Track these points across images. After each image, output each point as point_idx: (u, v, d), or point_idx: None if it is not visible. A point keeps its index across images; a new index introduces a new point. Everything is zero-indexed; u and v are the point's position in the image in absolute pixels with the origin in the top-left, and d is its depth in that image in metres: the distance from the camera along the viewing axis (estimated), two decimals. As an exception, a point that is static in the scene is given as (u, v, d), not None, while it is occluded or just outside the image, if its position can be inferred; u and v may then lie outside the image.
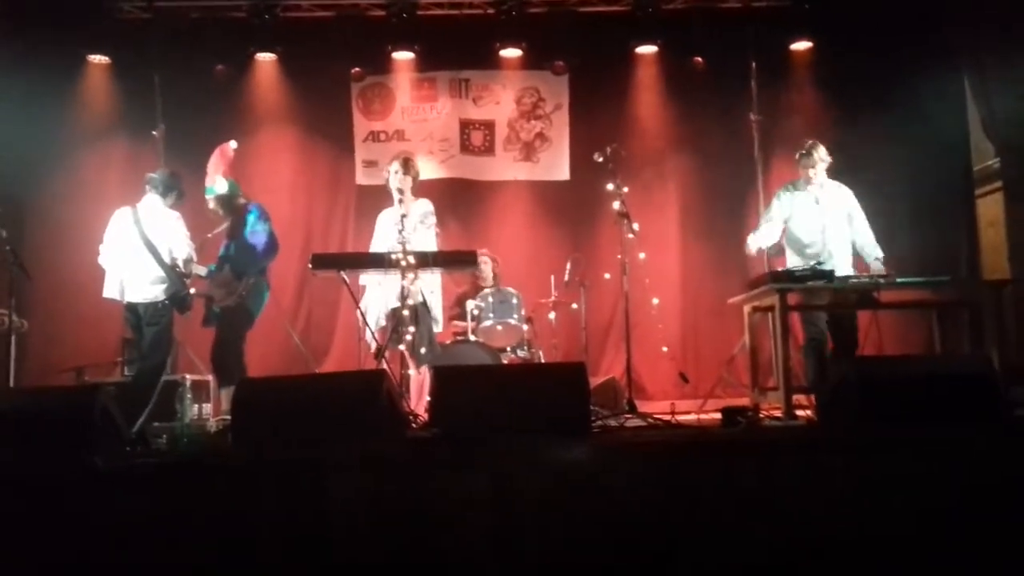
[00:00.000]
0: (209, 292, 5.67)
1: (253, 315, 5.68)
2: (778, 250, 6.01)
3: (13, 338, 5.29)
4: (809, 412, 4.98)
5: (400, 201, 5.39)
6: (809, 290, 5.22)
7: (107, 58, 7.80)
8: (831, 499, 3.02)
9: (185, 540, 2.98)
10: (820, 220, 5.60)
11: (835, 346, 5.48)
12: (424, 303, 5.33)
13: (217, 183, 5.75)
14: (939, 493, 3.00)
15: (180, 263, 5.42)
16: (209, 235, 5.91)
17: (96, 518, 3.00)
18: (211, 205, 5.82)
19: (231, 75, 7.98)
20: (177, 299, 5.42)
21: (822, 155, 5.58)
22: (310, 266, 5.27)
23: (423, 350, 5.24)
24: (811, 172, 5.59)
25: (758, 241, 5.73)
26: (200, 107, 7.79)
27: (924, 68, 7.47)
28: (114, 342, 7.09)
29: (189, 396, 6.23)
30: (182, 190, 5.69)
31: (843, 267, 5.48)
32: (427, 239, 5.42)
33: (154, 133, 7.70)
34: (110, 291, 5.46)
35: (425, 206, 5.53)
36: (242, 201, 5.83)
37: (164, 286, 5.39)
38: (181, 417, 5.98)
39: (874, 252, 5.60)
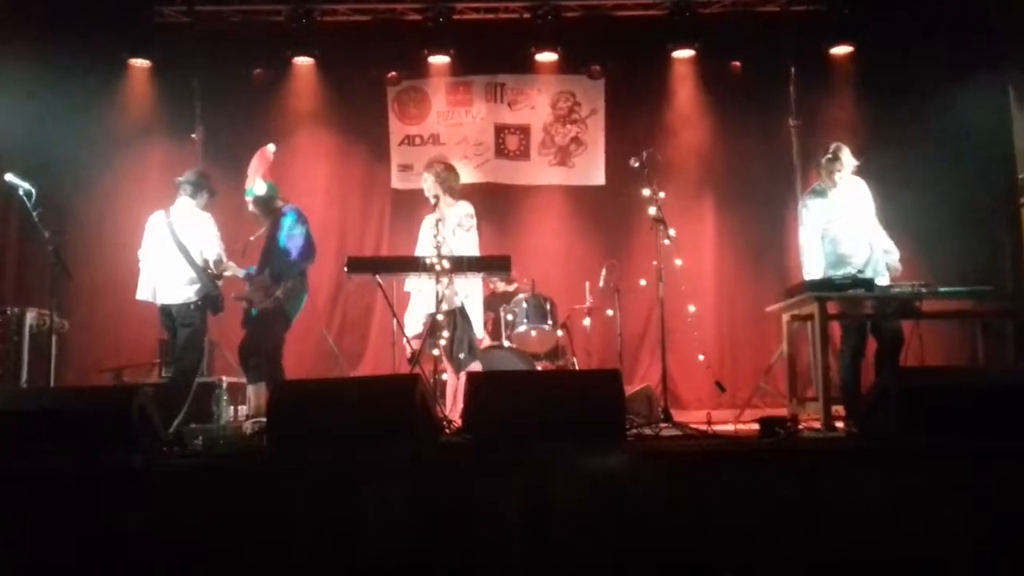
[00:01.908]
0: (248, 295, 5.72)
1: (290, 318, 5.72)
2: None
3: (54, 338, 5.36)
4: (841, 424, 4.91)
5: (435, 206, 5.41)
6: (849, 299, 5.13)
7: (148, 61, 7.93)
8: (871, 512, 2.97)
9: (218, 539, 3.00)
10: (857, 228, 5.47)
11: (880, 353, 5.36)
12: (463, 308, 5.32)
13: (256, 185, 5.81)
14: (982, 507, 2.94)
15: (211, 264, 5.47)
16: (252, 238, 5.96)
17: (132, 516, 3.03)
18: (250, 207, 5.88)
19: (269, 78, 8.09)
20: (209, 300, 5.49)
21: (848, 158, 5.44)
22: (346, 269, 5.29)
23: (462, 355, 5.23)
24: (837, 176, 5.45)
25: (814, 269, 5.39)
26: (238, 110, 7.91)
27: (968, 75, 7.30)
28: (152, 343, 7.18)
29: (226, 398, 6.29)
30: (212, 189, 5.74)
31: (881, 268, 5.38)
32: (467, 242, 5.40)
33: (193, 136, 7.82)
34: (143, 293, 5.53)
35: (464, 208, 5.50)
36: (279, 204, 5.87)
37: (196, 287, 5.45)
38: (217, 418, 6.04)
39: (893, 250, 5.42)
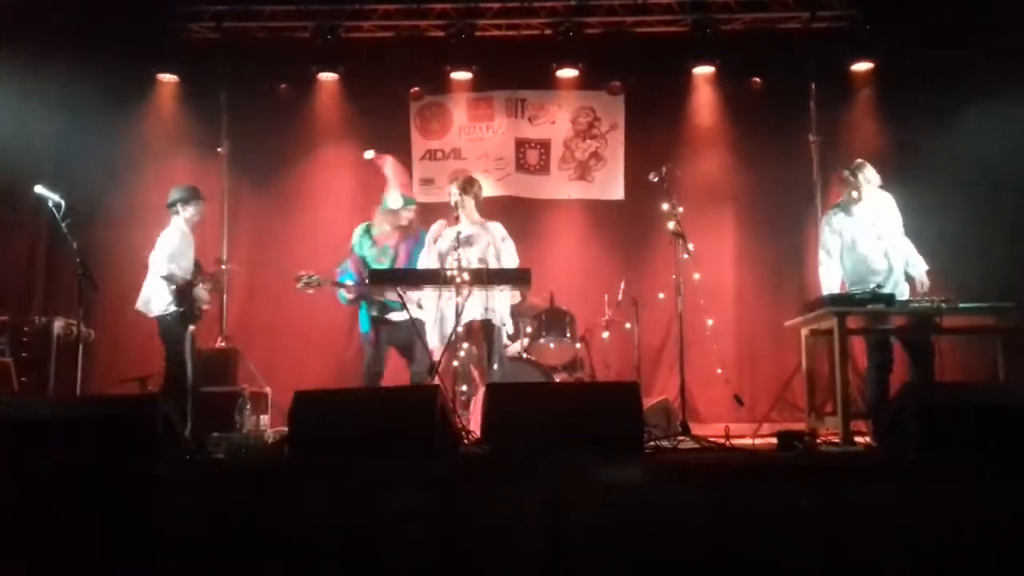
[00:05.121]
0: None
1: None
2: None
3: (81, 347, 5.45)
4: (866, 439, 4.89)
5: (456, 218, 5.47)
6: (868, 314, 5.12)
7: (175, 76, 8.06)
8: (888, 527, 2.96)
9: (239, 546, 3.04)
10: (881, 244, 5.48)
11: (913, 368, 5.35)
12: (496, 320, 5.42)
13: (391, 198, 6.04)
14: (1001, 524, 2.92)
15: (179, 276, 5.72)
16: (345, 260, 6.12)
17: (155, 522, 3.08)
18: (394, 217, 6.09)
19: (294, 93, 8.18)
20: (180, 312, 5.73)
21: (869, 175, 5.46)
22: (367, 282, 5.34)
23: (495, 367, 5.28)
24: (859, 192, 5.47)
25: (831, 284, 5.51)
26: (264, 124, 8.01)
27: (991, 90, 7.28)
28: (175, 354, 7.26)
29: (248, 407, 6.35)
30: (199, 199, 5.97)
31: (902, 286, 5.38)
32: (512, 258, 5.57)
33: (219, 150, 7.92)
34: (140, 304, 5.80)
35: (500, 229, 5.65)
36: (412, 221, 6.07)
37: (170, 299, 5.70)
38: (240, 427, 6.10)
39: (919, 263, 5.47)
